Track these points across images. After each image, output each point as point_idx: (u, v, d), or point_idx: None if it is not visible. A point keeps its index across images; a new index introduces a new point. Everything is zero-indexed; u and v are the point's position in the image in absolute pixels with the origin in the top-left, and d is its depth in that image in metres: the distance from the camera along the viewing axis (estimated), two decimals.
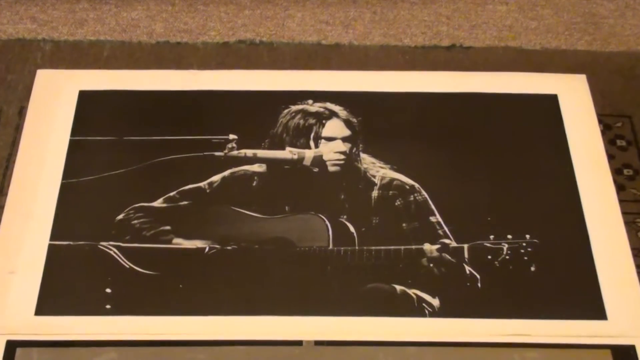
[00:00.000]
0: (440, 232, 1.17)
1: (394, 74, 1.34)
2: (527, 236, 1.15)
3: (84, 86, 1.31)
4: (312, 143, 1.24)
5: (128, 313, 1.10)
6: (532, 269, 1.13)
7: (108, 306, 1.10)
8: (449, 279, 1.13)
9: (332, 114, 1.26)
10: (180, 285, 1.12)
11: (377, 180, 1.21)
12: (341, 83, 1.31)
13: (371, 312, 1.10)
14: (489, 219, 1.18)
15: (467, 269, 1.14)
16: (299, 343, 1.08)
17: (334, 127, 1.25)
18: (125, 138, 1.25)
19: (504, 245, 1.15)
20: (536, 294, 1.12)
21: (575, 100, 1.30)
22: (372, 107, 1.28)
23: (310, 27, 1.42)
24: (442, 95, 1.31)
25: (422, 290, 1.12)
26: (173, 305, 1.10)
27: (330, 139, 1.24)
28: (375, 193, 1.20)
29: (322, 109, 1.26)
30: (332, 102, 1.28)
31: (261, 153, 1.23)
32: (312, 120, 1.25)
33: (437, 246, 1.15)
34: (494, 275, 1.13)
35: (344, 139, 1.24)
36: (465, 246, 1.15)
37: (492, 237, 1.15)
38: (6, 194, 1.20)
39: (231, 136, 1.24)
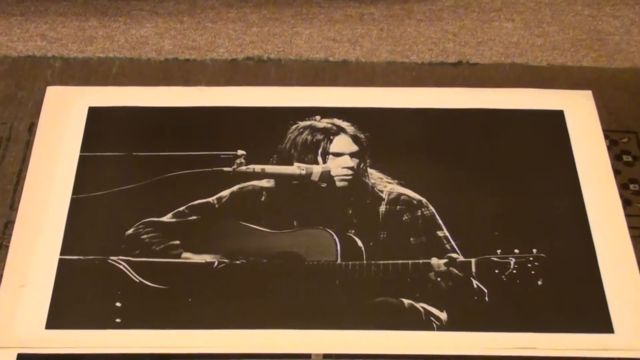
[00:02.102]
0: (447, 246, 1.18)
1: (400, 90, 1.35)
2: (534, 250, 1.17)
3: (94, 102, 1.32)
4: (320, 158, 1.25)
5: (138, 327, 1.11)
6: (539, 282, 1.15)
7: (118, 320, 1.12)
8: (456, 292, 1.14)
9: (340, 130, 1.27)
10: (189, 299, 1.14)
11: (384, 195, 1.23)
12: (348, 99, 1.33)
13: (379, 326, 1.11)
14: (496, 233, 1.19)
15: (475, 283, 1.15)
16: (307, 357, 1.09)
17: (342, 143, 1.26)
18: (134, 154, 1.27)
19: (511, 260, 1.16)
20: (543, 308, 1.13)
21: (581, 115, 1.31)
22: (380, 123, 1.30)
23: (318, 44, 1.43)
24: (449, 111, 1.32)
25: (429, 304, 1.13)
26: (182, 319, 1.12)
27: (338, 155, 1.25)
28: (382, 208, 1.22)
29: (329, 125, 1.28)
30: (339, 118, 1.29)
31: (269, 168, 1.25)
32: (319, 136, 1.26)
33: (445, 260, 1.16)
34: (501, 289, 1.14)
35: (352, 155, 1.25)
36: (473, 260, 1.16)
37: (499, 251, 1.16)
38: (17, 209, 1.21)
39: (240, 152, 1.26)
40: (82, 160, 1.26)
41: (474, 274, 1.15)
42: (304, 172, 1.24)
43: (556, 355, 1.09)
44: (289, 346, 1.09)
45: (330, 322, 1.11)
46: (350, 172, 1.24)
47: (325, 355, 1.09)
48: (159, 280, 1.15)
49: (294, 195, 1.23)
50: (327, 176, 1.24)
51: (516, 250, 1.16)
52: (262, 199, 1.23)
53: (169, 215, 1.21)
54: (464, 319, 1.12)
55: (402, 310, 1.13)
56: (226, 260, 1.17)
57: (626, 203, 1.23)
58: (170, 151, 1.27)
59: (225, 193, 1.23)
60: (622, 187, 1.25)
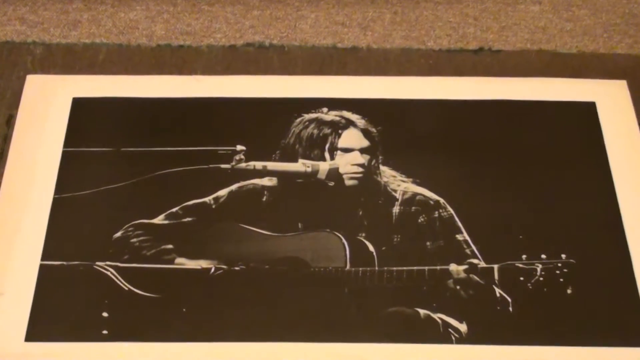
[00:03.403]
0: (467, 251, 1.19)
1: (416, 79, 1.36)
2: (563, 256, 1.17)
3: (78, 93, 1.33)
4: (327, 155, 1.26)
5: (126, 339, 1.12)
6: (569, 291, 1.15)
7: (105, 331, 1.12)
8: (477, 302, 1.15)
9: (349, 123, 1.28)
10: (184, 309, 1.14)
11: (398, 195, 1.23)
12: (359, 90, 1.34)
13: (392, 338, 1.12)
14: (520, 237, 1.20)
15: (497, 291, 1.15)
16: None
17: (351, 138, 1.27)
18: (123, 149, 1.28)
19: (538, 266, 1.16)
20: (573, 319, 1.13)
21: (614, 107, 1.32)
22: (393, 116, 1.30)
23: (325, 29, 1.44)
24: (469, 102, 1.33)
25: (448, 315, 1.14)
26: (175, 331, 1.12)
27: (347, 150, 1.26)
28: (396, 209, 1.22)
29: (338, 118, 1.28)
30: (348, 110, 1.30)
31: (271, 165, 1.25)
32: (327, 130, 1.27)
33: (465, 267, 1.17)
34: (526, 298, 1.15)
35: (362, 150, 1.26)
36: (495, 267, 1.16)
37: (524, 257, 1.17)
38: None
39: (239, 147, 1.26)
40: (65, 156, 1.27)
41: (496, 281, 1.16)
42: (309, 169, 1.25)
43: None
44: None
45: (339, 334, 1.12)
46: (360, 169, 1.25)
47: None
48: (150, 288, 1.16)
49: (298, 195, 1.24)
50: (335, 174, 1.24)
51: (543, 256, 1.17)
52: (264, 199, 1.24)
53: (161, 216, 1.21)
54: (485, 331, 1.12)
55: (418, 322, 1.13)
56: (224, 267, 1.17)
57: None
58: (163, 146, 1.27)
59: (223, 192, 1.24)
60: None
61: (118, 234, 1.20)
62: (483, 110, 1.31)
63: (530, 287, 1.15)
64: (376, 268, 1.16)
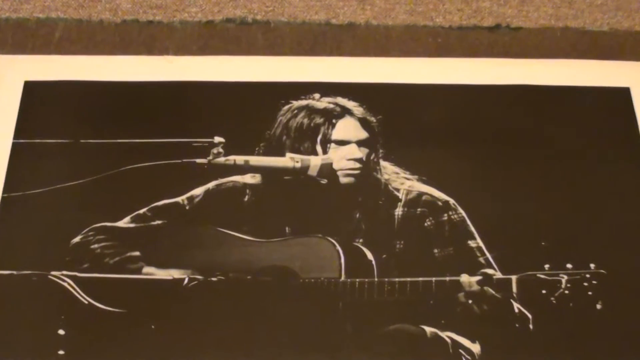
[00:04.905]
0: (481, 260, 1.19)
1: (422, 61, 1.36)
2: (592, 266, 1.17)
3: (31, 75, 1.33)
4: (319, 148, 1.26)
5: None
6: (598, 306, 1.15)
7: (61, 352, 1.13)
8: (492, 319, 1.15)
9: (345, 112, 1.28)
10: (153, 326, 1.14)
11: (401, 195, 1.23)
12: (356, 73, 1.34)
13: None
14: (543, 243, 1.20)
15: (516, 306, 1.16)
16: None
17: (347, 128, 1.27)
18: (82, 141, 1.28)
19: (563, 277, 1.17)
20: (603, 339, 1.14)
21: None
22: (395, 103, 1.31)
23: (317, 3, 1.44)
24: (484, 88, 1.33)
25: (458, 333, 1.14)
26: (143, 351, 1.12)
27: (342, 143, 1.26)
28: (399, 211, 1.22)
29: (331, 105, 1.28)
30: (344, 96, 1.30)
31: (255, 160, 1.26)
32: (319, 120, 1.27)
33: (478, 278, 1.17)
34: (549, 314, 1.15)
35: (360, 143, 1.26)
36: (513, 278, 1.17)
37: (547, 266, 1.17)
38: None
39: (217, 139, 1.26)
40: (15, 148, 1.27)
41: (515, 295, 1.16)
42: (298, 164, 1.25)
43: None
44: None
45: (332, 355, 1.12)
46: (357, 165, 1.25)
47: None
48: (114, 302, 1.16)
49: (285, 194, 1.24)
50: (328, 170, 1.25)
51: (569, 265, 1.17)
52: (245, 199, 1.24)
53: (127, 219, 1.22)
54: (501, 353, 1.13)
55: (424, 341, 1.14)
56: (199, 277, 1.17)
57: None
58: (129, 138, 1.27)
59: (199, 191, 1.24)
60: None
61: (76, 239, 1.20)
62: (500, 97, 1.32)
63: (554, 302, 1.15)
64: (375, 279, 1.17)
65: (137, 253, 1.19)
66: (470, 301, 1.16)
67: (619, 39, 1.40)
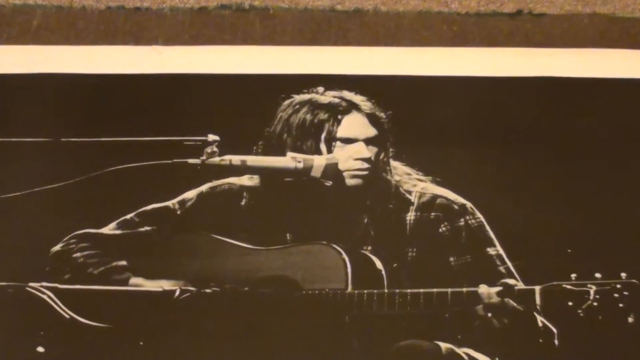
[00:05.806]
0: (501, 269, 1.19)
1: (436, 51, 1.36)
2: (623, 275, 1.17)
3: (6, 68, 1.33)
4: (323, 147, 1.26)
5: None
6: (630, 319, 1.15)
7: None
8: (513, 333, 1.15)
9: (351, 107, 1.28)
10: (141, 343, 1.14)
11: (414, 198, 1.23)
12: (363, 64, 1.34)
13: None
14: (569, 251, 1.20)
15: (540, 319, 1.16)
16: None
17: (354, 125, 1.27)
18: (63, 139, 1.28)
19: (591, 288, 1.16)
20: (635, 355, 1.14)
21: None
22: (407, 97, 1.31)
23: None
24: (504, 80, 1.33)
25: (476, 349, 1.14)
26: None
27: (348, 141, 1.26)
28: (411, 215, 1.22)
29: (337, 100, 1.28)
30: (350, 89, 1.30)
31: (252, 160, 1.25)
32: (323, 115, 1.27)
33: (498, 289, 1.17)
34: (576, 328, 1.15)
35: (368, 141, 1.26)
36: (537, 289, 1.17)
37: (573, 276, 1.17)
38: None
39: (211, 137, 1.26)
40: None
41: (538, 307, 1.16)
42: (300, 165, 1.25)
43: None
44: None
45: None
46: (365, 165, 1.25)
47: None
48: (98, 316, 1.16)
49: (286, 197, 1.24)
50: (333, 171, 1.25)
51: (598, 275, 1.17)
52: (243, 202, 1.24)
53: (112, 225, 1.22)
54: None
55: (438, 358, 1.13)
56: (192, 288, 1.17)
57: None
58: (114, 136, 1.27)
59: (191, 195, 1.24)
60: None
61: (57, 247, 1.20)
62: (521, 91, 1.32)
63: (581, 314, 1.15)
64: (385, 290, 1.17)
65: (123, 262, 1.19)
66: (489, 314, 1.16)
67: None
